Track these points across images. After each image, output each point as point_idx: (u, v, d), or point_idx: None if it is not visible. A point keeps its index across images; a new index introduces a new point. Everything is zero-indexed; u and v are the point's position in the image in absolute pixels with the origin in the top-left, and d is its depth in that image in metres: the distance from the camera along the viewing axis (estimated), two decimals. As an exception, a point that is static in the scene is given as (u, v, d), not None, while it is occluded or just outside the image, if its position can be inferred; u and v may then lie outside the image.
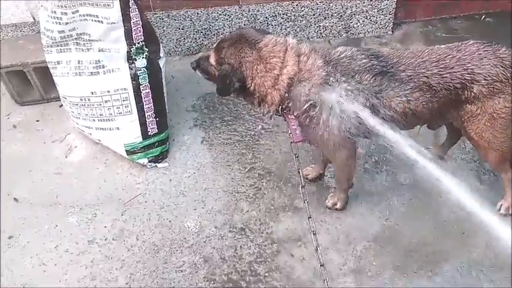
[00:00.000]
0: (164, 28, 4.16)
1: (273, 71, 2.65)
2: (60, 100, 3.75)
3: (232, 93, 2.76)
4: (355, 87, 2.62)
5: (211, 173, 3.48)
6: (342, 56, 2.69)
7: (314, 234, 2.64)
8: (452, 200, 2.50)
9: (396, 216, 3.20)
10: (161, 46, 3.42)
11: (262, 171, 3.47)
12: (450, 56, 2.69)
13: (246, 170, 3.49)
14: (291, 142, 2.72)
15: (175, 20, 4.13)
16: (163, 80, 3.48)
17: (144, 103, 3.37)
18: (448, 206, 3.22)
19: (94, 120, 3.39)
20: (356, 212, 3.24)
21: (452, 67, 2.67)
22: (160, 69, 3.42)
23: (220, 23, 4.20)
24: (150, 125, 3.45)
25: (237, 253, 3.04)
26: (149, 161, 3.51)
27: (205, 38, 4.26)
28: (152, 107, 3.41)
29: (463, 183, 2.49)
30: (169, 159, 3.59)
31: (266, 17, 4.18)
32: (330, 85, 2.62)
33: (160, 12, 4.07)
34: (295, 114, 2.68)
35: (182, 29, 4.19)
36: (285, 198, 3.31)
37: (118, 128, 3.39)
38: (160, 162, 3.54)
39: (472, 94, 2.69)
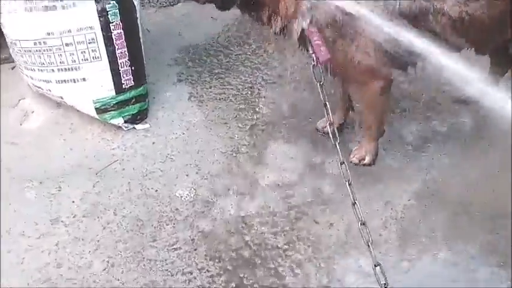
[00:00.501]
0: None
1: None
2: (11, 62, 3.05)
3: (236, 4, 2.13)
4: None
5: (204, 133, 2.81)
6: None
7: (350, 184, 1.99)
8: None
9: (439, 169, 2.59)
10: (133, -23, 2.76)
11: (266, 127, 2.83)
12: None
13: (247, 127, 2.83)
14: (313, 65, 2.06)
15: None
16: (139, 22, 2.80)
17: (116, 47, 2.68)
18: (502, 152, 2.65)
19: (53, 70, 2.67)
20: (389, 166, 2.62)
21: None
22: (135, 6, 2.75)
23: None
24: (124, 75, 2.76)
25: (245, 223, 2.38)
26: (125, 122, 2.81)
27: (184, -15, 3.62)
28: (126, 53, 2.72)
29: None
30: (150, 119, 2.89)
31: None
32: None
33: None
34: (318, 27, 2.05)
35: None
36: (298, 154, 2.68)
37: (84, 79, 2.68)
38: (139, 123, 2.85)
39: None
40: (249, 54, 3.28)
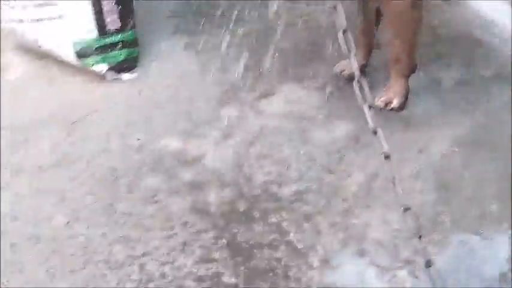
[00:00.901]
0: None
1: None
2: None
3: None
4: None
5: (198, 80, 2.39)
6: None
7: (375, 133, 1.46)
8: None
9: (485, 113, 2.10)
10: None
11: (272, 73, 2.39)
12: None
13: (249, 74, 2.40)
14: None
15: None
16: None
17: (98, -18, 2.33)
18: None
19: (25, 6, 2.33)
20: (423, 111, 2.13)
21: None
22: None
23: None
24: (109, 15, 2.37)
25: (242, 172, 1.92)
26: (110, 69, 2.43)
27: None
28: (110, -11, 2.37)
29: None
30: (139, 69, 2.50)
31: None
32: None
33: None
34: None
35: None
36: (310, 99, 2.22)
37: (61, 17, 2.32)
38: (126, 72, 2.47)
39: None
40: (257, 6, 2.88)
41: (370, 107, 1.47)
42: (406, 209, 1.35)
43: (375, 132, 1.43)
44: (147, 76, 2.45)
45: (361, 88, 1.46)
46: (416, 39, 2.02)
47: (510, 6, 2.60)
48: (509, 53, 2.39)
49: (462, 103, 2.15)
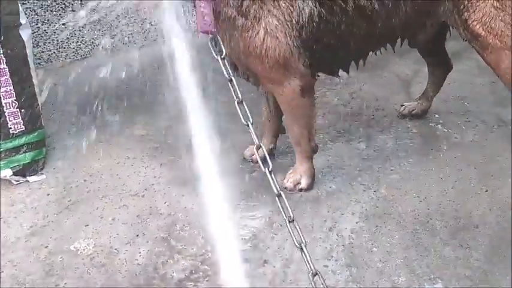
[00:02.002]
0: (39, 25, 3.19)
1: None
2: None
3: None
4: None
5: (110, 177, 2.36)
6: None
7: (291, 221, 1.52)
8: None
9: (387, 186, 2.22)
10: (21, 9, 2.44)
11: (183, 162, 2.41)
12: None
13: (160, 164, 2.41)
14: (210, 38, 1.67)
15: (52, 12, 3.20)
16: (30, 59, 2.44)
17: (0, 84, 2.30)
18: (452, 161, 2.33)
19: None
20: (329, 189, 2.22)
21: None
22: (23, 41, 2.40)
23: (113, 12, 3.29)
24: (11, 118, 2.33)
25: (157, 273, 1.88)
26: (15, 174, 2.35)
27: (95, 35, 3.33)
28: (13, 92, 2.33)
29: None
30: (47, 169, 2.42)
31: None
32: None
33: (31, 1, 3.13)
34: None
35: (63, 24, 3.25)
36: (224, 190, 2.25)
37: (-40, 123, 2.26)
38: (33, 174, 2.39)
39: None
40: (165, 94, 2.94)
41: (279, 195, 1.55)
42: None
43: (291, 221, 1.51)
44: (55, 176, 2.39)
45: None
46: (312, 123, 2.12)
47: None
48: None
49: (366, 178, 2.27)
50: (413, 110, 2.61)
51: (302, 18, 1.83)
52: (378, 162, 2.36)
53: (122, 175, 2.36)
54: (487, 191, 2.16)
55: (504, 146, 2.40)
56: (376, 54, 2.23)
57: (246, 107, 1.65)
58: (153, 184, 2.30)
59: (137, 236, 2.04)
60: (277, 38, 1.81)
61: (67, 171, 2.41)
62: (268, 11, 1.78)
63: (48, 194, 2.29)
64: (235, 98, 1.65)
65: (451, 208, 2.09)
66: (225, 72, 1.64)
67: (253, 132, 1.65)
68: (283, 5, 1.80)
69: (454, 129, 2.53)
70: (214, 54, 1.64)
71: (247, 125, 1.64)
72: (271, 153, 2.33)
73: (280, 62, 1.86)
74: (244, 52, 1.84)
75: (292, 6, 1.80)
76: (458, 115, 2.63)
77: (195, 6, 1.73)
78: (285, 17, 1.80)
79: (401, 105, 2.66)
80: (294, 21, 1.81)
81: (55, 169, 2.43)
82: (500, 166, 2.30)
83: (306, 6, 1.81)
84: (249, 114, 1.65)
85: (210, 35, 1.65)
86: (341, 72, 2.20)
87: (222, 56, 1.63)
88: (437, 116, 2.64)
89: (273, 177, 1.59)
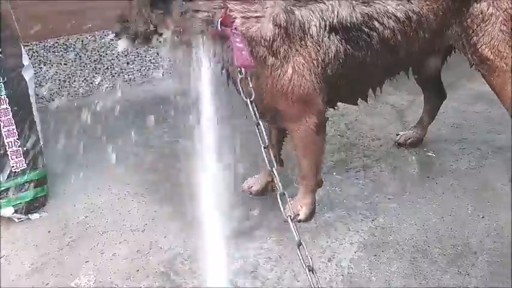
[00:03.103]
0: (41, 65, 3.28)
1: None
2: None
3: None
4: None
5: (110, 212, 2.39)
6: None
7: (300, 245, 1.56)
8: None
9: (385, 215, 2.23)
10: (23, 51, 2.52)
11: (180, 195, 2.43)
12: None
13: (161, 198, 2.44)
14: (241, 78, 1.70)
15: (54, 52, 3.29)
16: (33, 99, 2.51)
17: (2, 124, 2.35)
18: (448, 189, 2.35)
19: None
20: (327, 220, 2.23)
21: None
22: (26, 82, 2.48)
23: (113, 51, 3.40)
24: (13, 157, 2.37)
25: (157, 306, 1.88)
26: (16, 211, 2.37)
27: (96, 74, 3.42)
28: (15, 131, 2.38)
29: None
30: (49, 207, 2.45)
31: (169, 39, 3.47)
32: None
33: (33, 43, 3.22)
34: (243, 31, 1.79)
35: (65, 64, 3.34)
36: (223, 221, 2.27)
37: (-38, 162, 2.30)
38: (34, 212, 2.42)
39: None
40: (166, 130, 2.99)
41: (291, 218, 1.58)
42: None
43: (300, 245, 1.54)
44: (56, 213, 2.42)
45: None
46: (321, 159, 2.16)
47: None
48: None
49: (363, 207, 2.28)
50: (409, 138, 2.65)
51: (328, 56, 1.90)
52: (375, 191, 2.38)
53: (123, 210, 2.38)
54: (483, 217, 2.18)
55: (499, 172, 2.43)
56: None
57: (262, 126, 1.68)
58: (153, 218, 2.33)
59: (137, 271, 2.05)
60: (303, 76, 1.87)
61: (68, 208, 2.44)
62: (296, 50, 1.84)
63: (49, 231, 2.31)
64: (261, 143, 1.66)
65: (449, 235, 2.10)
66: (253, 116, 1.66)
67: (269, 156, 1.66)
68: (310, 44, 1.86)
69: (450, 157, 2.57)
70: (244, 97, 1.68)
71: (271, 171, 1.65)
72: (270, 186, 2.37)
73: (303, 98, 1.91)
74: (271, 90, 1.89)
75: (319, 45, 1.87)
76: (453, 143, 2.67)
77: (225, 43, 1.78)
78: (311, 56, 1.86)
79: (397, 134, 2.70)
80: (320, 60, 1.88)
81: (56, 206, 2.46)
82: (496, 192, 2.32)
83: (332, 45, 1.88)
84: (265, 137, 1.67)
85: (241, 75, 1.69)
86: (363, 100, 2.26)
87: (251, 99, 1.67)
88: (433, 144, 2.68)
89: (286, 200, 1.62)
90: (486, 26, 2.06)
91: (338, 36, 1.88)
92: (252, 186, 2.40)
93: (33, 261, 2.14)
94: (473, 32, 2.09)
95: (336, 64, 1.92)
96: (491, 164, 2.50)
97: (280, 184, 1.63)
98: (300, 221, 2.21)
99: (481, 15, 2.05)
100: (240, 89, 1.70)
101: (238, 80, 1.70)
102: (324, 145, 2.18)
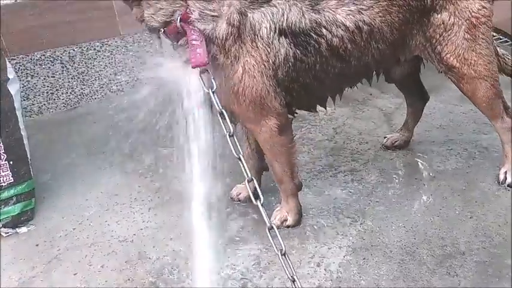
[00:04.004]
0: (29, 78, 3.27)
1: None
2: None
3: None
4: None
5: (99, 224, 2.38)
6: None
7: (283, 254, 1.54)
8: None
9: (373, 218, 2.23)
10: (9, 65, 2.52)
11: (171, 204, 2.43)
12: None
13: (149, 207, 2.43)
14: (200, 71, 1.69)
15: (41, 65, 3.28)
16: (19, 113, 2.49)
17: (-13, 139, 2.35)
18: (436, 190, 2.35)
19: None
20: (316, 224, 2.23)
21: None
22: (11, 95, 2.47)
23: (100, 62, 3.40)
24: (0, 171, 2.38)
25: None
26: (4, 226, 2.36)
27: (84, 85, 3.41)
28: (1, 145, 2.37)
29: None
30: (37, 220, 2.44)
31: (156, 48, 3.47)
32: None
33: (20, 56, 3.22)
34: (200, 29, 1.79)
35: (52, 76, 3.33)
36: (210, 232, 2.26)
37: None
38: (22, 225, 2.40)
39: None
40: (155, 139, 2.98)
41: (271, 228, 1.58)
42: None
43: (283, 254, 1.53)
44: (45, 226, 2.40)
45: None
46: (293, 160, 2.14)
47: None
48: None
49: (352, 211, 2.28)
50: (395, 141, 2.66)
51: (278, 58, 1.90)
52: (364, 194, 2.38)
53: (111, 222, 2.37)
54: (471, 217, 2.18)
55: (486, 172, 2.43)
56: (352, 89, 2.29)
57: (236, 140, 1.66)
58: (141, 229, 2.32)
59: (126, 281, 2.04)
60: (254, 77, 1.87)
61: (56, 221, 2.43)
62: (247, 51, 1.85)
63: (37, 245, 2.29)
64: (225, 131, 1.66)
65: (437, 236, 2.10)
66: (216, 106, 1.66)
67: (245, 165, 1.65)
68: (261, 45, 1.87)
69: (437, 158, 2.57)
70: (205, 88, 1.68)
71: (239, 158, 1.64)
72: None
73: (257, 101, 1.91)
74: (224, 90, 1.87)
75: (269, 47, 1.87)
76: (440, 144, 2.67)
77: (187, 43, 1.79)
78: (262, 57, 1.86)
79: (384, 137, 2.71)
80: (270, 62, 1.88)
81: (44, 219, 2.44)
82: (483, 192, 2.33)
83: (282, 47, 1.89)
84: (239, 148, 1.66)
85: (201, 68, 1.69)
86: (322, 107, 2.26)
87: (213, 90, 1.67)
88: (420, 145, 2.68)
89: (264, 210, 1.61)
90: (449, 35, 2.07)
91: (287, 40, 1.89)
92: (240, 193, 2.39)
93: (21, 275, 2.13)
94: (436, 42, 2.10)
95: (286, 67, 1.93)
96: (478, 164, 2.51)
97: (249, 172, 1.63)
98: (288, 226, 2.21)
99: (442, 25, 2.07)
100: (201, 80, 1.70)
101: (198, 73, 1.70)
102: (294, 147, 2.15)
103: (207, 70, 1.71)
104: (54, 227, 2.38)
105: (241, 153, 1.65)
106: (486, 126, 2.60)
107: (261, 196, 1.63)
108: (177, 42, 1.86)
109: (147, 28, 1.90)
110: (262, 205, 1.61)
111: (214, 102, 1.66)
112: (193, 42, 1.69)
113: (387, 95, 3.17)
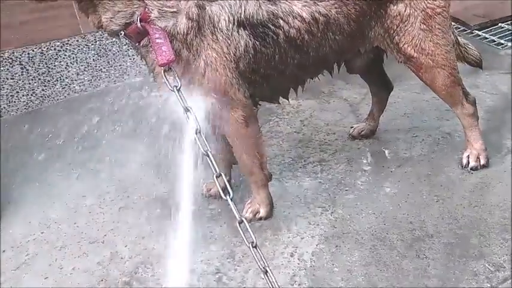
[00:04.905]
0: (-14, 81, 3.18)
1: None
2: None
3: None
4: None
5: (68, 227, 2.33)
6: None
7: (254, 246, 1.54)
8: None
9: (343, 206, 2.27)
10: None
11: (137, 203, 2.41)
12: None
13: (117, 207, 2.40)
14: (165, 70, 1.69)
15: (-1, 67, 3.20)
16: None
17: None
18: (403, 176, 2.41)
19: None
20: (287, 215, 2.25)
21: None
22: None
23: (61, 62, 3.32)
24: (-39, 177, 2.31)
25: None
26: (-33, 233, 2.29)
27: (45, 86, 3.33)
28: (-39, 150, 2.31)
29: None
30: (3, 225, 2.36)
31: (119, 47, 3.41)
32: None
33: (-24, 59, 3.12)
34: (161, 26, 1.78)
35: (12, 78, 3.24)
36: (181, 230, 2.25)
37: None
38: (-13, 232, 2.34)
39: None
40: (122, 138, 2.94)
41: (241, 222, 1.58)
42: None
43: (255, 247, 1.52)
44: (11, 232, 2.34)
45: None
46: (262, 151, 2.15)
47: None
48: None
49: (322, 200, 2.31)
50: (362, 130, 2.70)
51: (239, 50, 1.90)
52: (333, 183, 2.41)
53: (80, 223, 2.32)
54: (438, 201, 2.25)
55: (450, 157, 2.51)
56: (314, 80, 2.31)
57: (203, 137, 1.65)
58: (112, 229, 2.28)
59: (100, 282, 2.01)
60: (216, 70, 1.86)
61: (23, 226, 2.36)
62: (208, 44, 1.85)
63: (3, 251, 2.23)
64: (193, 128, 1.64)
65: (406, 221, 2.15)
66: (181, 104, 1.65)
67: (212, 161, 1.65)
68: (221, 38, 1.87)
69: (403, 145, 2.63)
70: (169, 87, 1.67)
71: (206, 154, 1.64)
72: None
73: (221, 93, 1.91)
74: (188, 85, 1.85)
75: (229, 39, 1.87)
76: (405, 132, 2.73)
77: (150, 43, 1.78)
78: (223, 50, 1.86)
79: (351, 127, 2.75)
80: (231, 54, 1.88)
81: (10, 224, 2.37)
82: (448, 176, 2.40)
83: (242, 39, 1.89)
84: (207, 144, 1.65)
85: (165, 67, 1.68)
86: (291, 101, 2.27)
87: (178, 88, 1.66)
88: (386, 134, 2.74)
89: (234, 205, 1.61)
90: (406, 26, 2.12)
91: (246, 31, 1.89)
92: (211, 189, 2.39)
93: (-12, 283, 2.08)
94: (394, 33, 2.14)
95: (247, 58, 1.94)
96: (442, 150, 2.58)
97: (217, 168, 1.62)
98: (261, 218, 2.22)
99: (399, 16, 2.11)
100: (165, 79, 1.68)
101: (162, 72, 1.69)
102: (261, 138, 2.18)
103: (171, 68, 1.71)
104: (21, 232, 2.32)
105: (209, 149, 1.65)
106: (448, 112, 2.67)
107: (230, 191, 1.63)
108: (139, 43, 1.86)
109: (107, 32, 1.89)
110: (232, 199, 1.61)
111: (180, 101, 1.65)
112: (157, 40, 1.67)
113: (352, 86, 3.21)
